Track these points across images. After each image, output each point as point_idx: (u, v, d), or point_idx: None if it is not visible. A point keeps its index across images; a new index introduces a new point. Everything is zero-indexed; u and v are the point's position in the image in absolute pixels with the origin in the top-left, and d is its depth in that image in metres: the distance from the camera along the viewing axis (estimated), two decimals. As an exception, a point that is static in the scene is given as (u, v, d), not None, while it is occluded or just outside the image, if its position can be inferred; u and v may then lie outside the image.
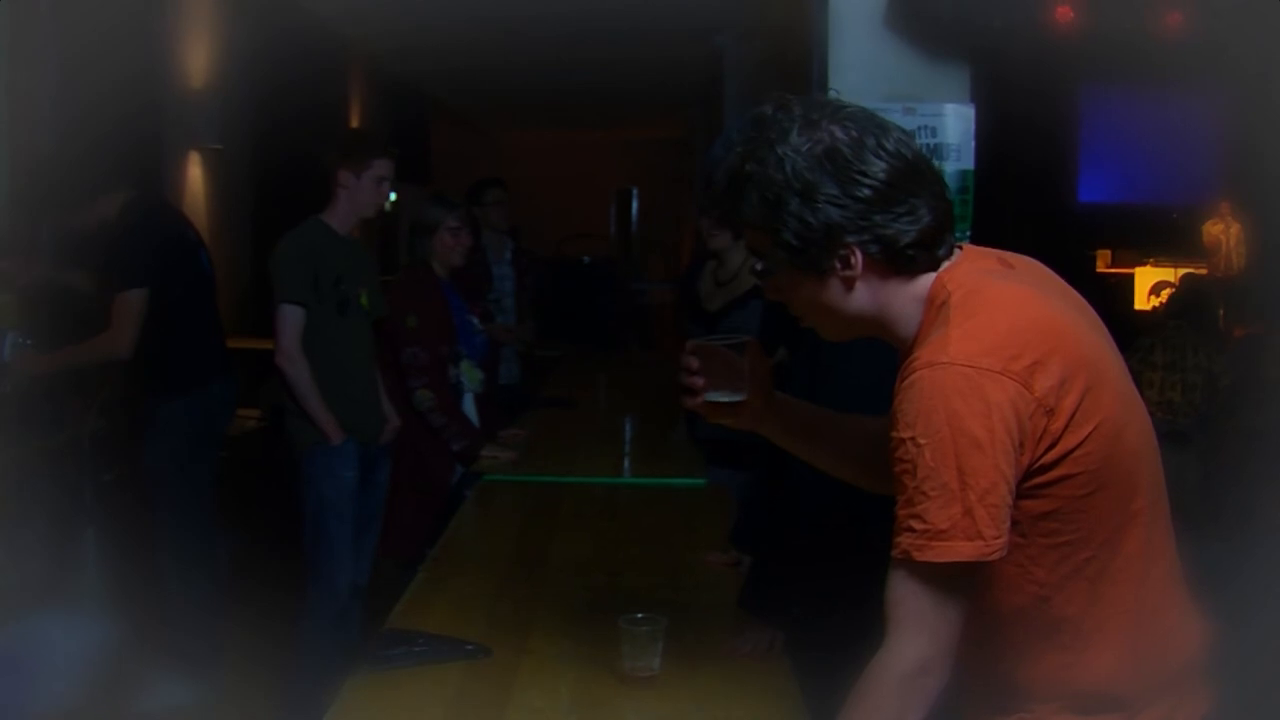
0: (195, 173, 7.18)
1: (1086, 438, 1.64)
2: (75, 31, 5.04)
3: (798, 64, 4.62)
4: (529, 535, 3.71)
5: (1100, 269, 11.00)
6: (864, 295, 1.74)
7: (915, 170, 1.72)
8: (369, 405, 4.41)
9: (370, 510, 4.43)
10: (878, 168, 1.68)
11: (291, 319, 4.16)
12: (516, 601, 2.96)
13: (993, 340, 1.62)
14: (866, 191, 1.68)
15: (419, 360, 4.52)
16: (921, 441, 1.59)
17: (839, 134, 1.69)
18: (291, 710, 4.14)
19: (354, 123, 11.15)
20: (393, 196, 13.15)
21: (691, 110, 12.34)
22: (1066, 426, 1.63)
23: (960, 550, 1.58)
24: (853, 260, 1.70)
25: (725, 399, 1.98)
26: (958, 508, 1.58)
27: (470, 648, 2.56)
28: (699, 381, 1.97)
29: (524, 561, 3.38)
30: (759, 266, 1.80)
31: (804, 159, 1.68)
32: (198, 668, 4.45)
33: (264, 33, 7.51)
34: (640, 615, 2.41)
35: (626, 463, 5.02)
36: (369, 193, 4.28)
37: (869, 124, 1.72)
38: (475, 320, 4.93)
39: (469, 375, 4.73)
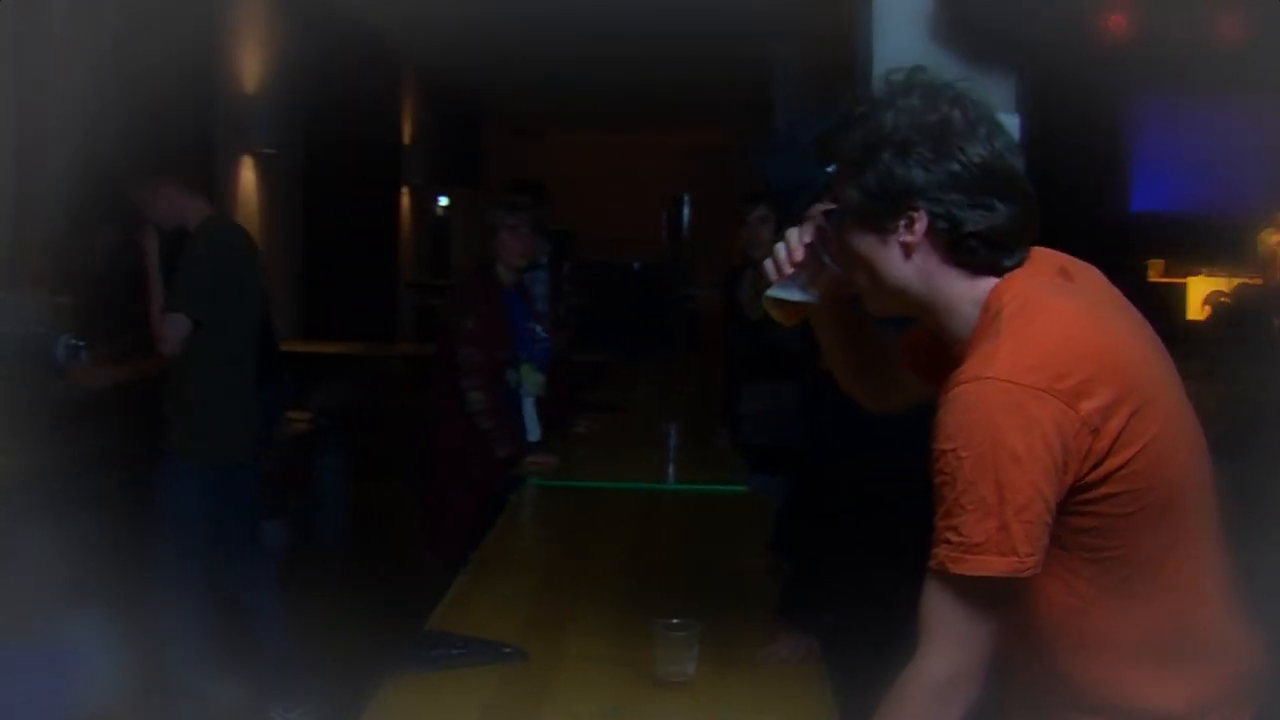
0: (248, 176, 7.27)
1: (1132, 458, 1.63)
2: (131, 36, 5.10)
3: (845, 72, 4.61)
4: (570, 540, 3.73)
5: (1153, 278, 10.87)
6: (915, 270, 1.73)
7: (1010, 178, 1.71)
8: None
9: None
10: (976, 153, 1.68)
11: None
12: (555, 605, 2.98)
13: (1040, 357, 1.61)
14: (956, 168, 1.68)
15: (473, 361, 4.54)
16: (963, 455, 1.59)
17: (956, 113, 1.70)
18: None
19: (405, 125, 11.24)
20: (443, 200, 13.24)
21: (741, 117, 12.33)
22: (1111, 447, 1.62)
23: (993, 565, 1.58)
24: (916, 226, 1.70)
25: (797, 298, 1.89)
26: (994, 522, 1.58)
27: (508, 650, 2.58)
28: (786, 267, 1.89)
29: (563, 565, 3.40)
30: (828, 208, 1.80)
31: (914, 118, 1.69)
32: (237, 671, 4.48)
33: (315, 38, 7.59)
34: (676, 620, 2.42)
35: (670, 469, 5.02)
36: None
37: (988, 118, 1.72)
38: (538, 328, 4.94)
39: (529, 379, 4.77)
